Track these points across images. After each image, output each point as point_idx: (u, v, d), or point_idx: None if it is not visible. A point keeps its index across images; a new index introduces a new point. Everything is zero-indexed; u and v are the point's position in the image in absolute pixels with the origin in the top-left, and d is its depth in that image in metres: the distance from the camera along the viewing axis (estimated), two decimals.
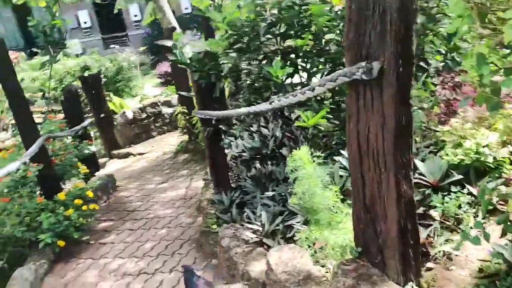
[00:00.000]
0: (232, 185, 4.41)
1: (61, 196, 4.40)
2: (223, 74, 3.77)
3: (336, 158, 3.47)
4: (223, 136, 4.28)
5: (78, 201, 4.49)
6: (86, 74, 8.46)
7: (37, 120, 6.90)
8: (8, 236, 4.09)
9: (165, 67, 16.70)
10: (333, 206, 2.49)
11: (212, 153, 4.23)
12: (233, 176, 4.79)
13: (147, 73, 17.05)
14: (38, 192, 4.47)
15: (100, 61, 11.45)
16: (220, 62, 3.74)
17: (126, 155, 8.48)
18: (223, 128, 4.36)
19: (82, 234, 4.52)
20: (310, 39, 3.67)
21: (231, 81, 3.86)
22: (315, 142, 3.72)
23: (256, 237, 3.30)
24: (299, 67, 3.76)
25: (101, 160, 8.66)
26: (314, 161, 2.66)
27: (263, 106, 2.83)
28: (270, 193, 3.77)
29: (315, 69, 3.65)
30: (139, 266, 3.91)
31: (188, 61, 3.68)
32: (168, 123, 9.17)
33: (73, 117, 6.42)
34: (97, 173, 6.59)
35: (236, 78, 3.85)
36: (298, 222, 3.12)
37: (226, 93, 5.69)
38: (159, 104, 9.04)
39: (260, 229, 3.36)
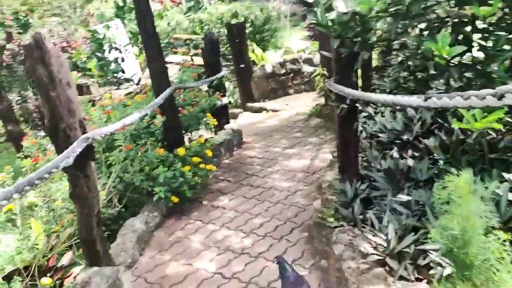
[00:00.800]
0: (360, 172, 3.76)
1: (180, 151, 4.25)
2: (370, 43, 3.04)
3: (506, 175, 2.58)
4: (358, 116, 3.60)
5: (196, 159, 4.31)
6: (233, 21, 8.22)
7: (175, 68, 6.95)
8: (128, 182, 4.11)
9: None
10: (496, 258, 1.72)
11: (342, 133, 3.60)
12: (363, 160, 4.11)
13: (297, 25, 16.49)
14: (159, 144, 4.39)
15: (250, 8, 11.19)
16: (370, 28, 3.00)
17: (259, 110, 8.24)
18: (360, 107, 3.67)
19: (198, 191, 4.38)
20: (498, 8, 2.69)
21: (379, 53, 3.10)
22: (473, 148, 2.83)
23: (377, 254, 2.66)
24: (475, 44, 2.82)
25: (235, 111, 8.60)
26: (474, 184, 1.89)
27: (414, 100, 2.09)
28: (404, 197, 3.05)
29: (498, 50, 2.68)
30: (244, 243, 3.59)
31: (330, 23, 3.02)
32: (307, 82, 8.62)
33: (211, 66, 6.26)
34: (226, 126, 6.43)
35: (386, 50, 3.08)
36: (437, 251, 2.40)
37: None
38: (300, 61, 8.49)
39: (384, 244, 2.71)
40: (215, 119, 5.95)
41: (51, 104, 2.45)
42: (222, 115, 6.47)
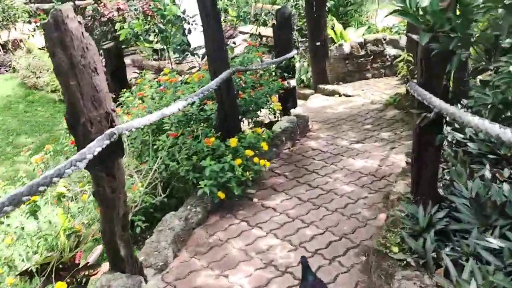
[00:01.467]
0: (438, 192, 3.09)
1: (233, 142, 3.82)
2: (472, 40, 2.33)
3: None
4: (443, 128, 2.90)
5: (249, 152, 3.86)
6: None
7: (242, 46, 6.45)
8: (173, 171, 3.79)
9: None
10: None
11: (420, 147, 2.93)
12: (443, 173, 3.42)
13: None
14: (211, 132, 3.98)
15: None
16: (473, 20, 2.28)
17: (332, 93, 7.56)
18: (447, 119, 2.97)
19: (249, 185, 3.96)
20: None
21: (483, 52, 2.38)
22: None
23: None
24: None
25: (306, 91, 8.01)
26: None
27: None
28: (494, 241, 2.38)
29: None
30: (290, 259, 3.12)
31: (420, 12, 2.34)
32: (388, 66, 7.74)
33: (280, 45, 5.69)
34: (293, 111, 5.89)
35: (490, 50, 2.35)
36: None
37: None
38: (383, 42, 7.60)
39: None
40: (279, 103, 5.44)
41: (71, 94, 2.09)
42: (288, 98, 5.93)
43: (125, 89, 4.82)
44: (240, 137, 4.07)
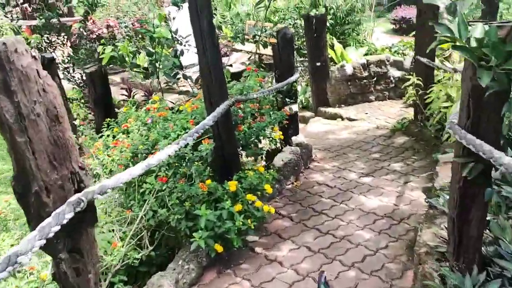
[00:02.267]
0: (482, 252, 2.54)
1: (231, 185, 3.25)
2: None
3: None
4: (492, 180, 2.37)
5: (250, 197, 3.30)
6: (312, 12, 7.04)
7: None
8: (162, 220, 3.21)
9: (403, 12, 14.23)
10: None
11: (463, 201, 2.39)
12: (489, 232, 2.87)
13: (381, 16, 14.85)
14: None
15: None
16: None
17: (333, 116, 7.06)
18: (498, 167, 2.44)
19: (250, 232, 3.39)
20: None
21: None
22: None
23: None
24: None
25: (306, 114, 7.50)
26: None
27: None
28: None
29: None
30: None
31: (475, 44, 1.83)
32: (392, 88, 7.27)
33: (282, 67, 5.18)
34: (294, 138, 5.35)
35: None
36: None
37: None
38: (387, 63, 7.13)
39: None
40: (280, 132, 4.90)
41: (19, 154, 1.53)
42: (290, 125, 5.40)
43: (109, 119, 4.25)
44: (240, 177, 3.52)
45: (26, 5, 12.49)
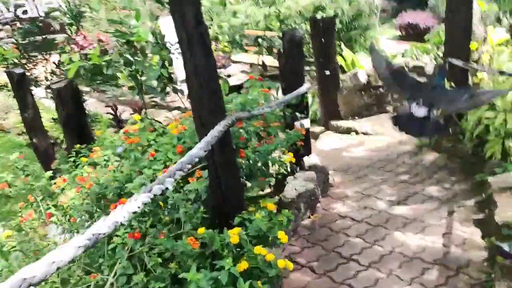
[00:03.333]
0: None
1: (233, 235, 2.33)
2: None
3: None
4: None
5: (260, 250, 2.37)
6: (319, 15, 6.22)
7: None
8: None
9: (409, 17, 13.42)
10: None
11: None
12: None
13: (385, 22, 14.07)
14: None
15: (337, 1, 9.05)
16: None
17: (347, 131, 6.17)
18: None
19: None
20: None
21: None
22: None
23: None
24: None
25: (315, 129, 6.60)
26: None
27: None
28: None
29: None
30: None
31: None
32: None
33: (290, 76, 4.30)
34: (306, 159, 4.45)
35: None
36: None
37: None
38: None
39: None
40: (291, 153, 4.00)
41: None
42: (302, 145, 4.51)
43: (79, 145, 3.36)
44: (244, 219, 2.60)
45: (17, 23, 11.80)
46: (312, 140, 6.39)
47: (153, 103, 5.26)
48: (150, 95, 4.31)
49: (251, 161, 3.02)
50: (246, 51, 11.18)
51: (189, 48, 2.23)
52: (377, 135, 5.85)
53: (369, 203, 3.94)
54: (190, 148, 2.26)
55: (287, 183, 3.82)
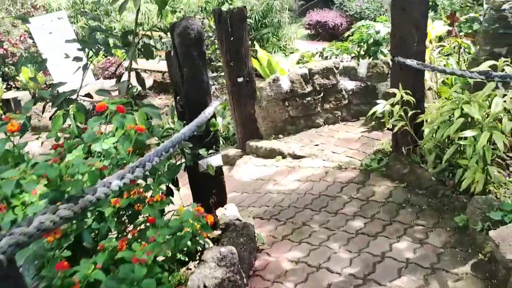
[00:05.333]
0: None
1: None
2: None
3: None
4: None
5: None
6: (225, 7, 4.71)
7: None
8: None
9: (317, 15, 12.53)
10: None
11: None
12: None
13: (294, 22, 13.06)
14: None
15: None
16: None
17: (270, 154, 4.75)
18: None
19: None
20: None
21: None
22: None
23: None
24: None
25: (229, 152, 5.10)
26: None
27: None
28: None
29: None
30: None
31: None
32: (345, 106, 5.14)
33: (188, 93, 2.71)
34: (220, 213, 2.92)
35: None
36: None
37: None
38: (335, 71, 4.98)
39: None
40: (206, 222, 2.41)
41: None
42: (210, 191, 2.97)
43: None
44: None
45: None
46: (226, 168, 4.89)
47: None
48: None
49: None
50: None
51: None
52: (309, 157, 4.49)
53: (323, 280, 2.51)
54: None
55: (191, 272, 2.23)
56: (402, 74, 3.49)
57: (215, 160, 2.90)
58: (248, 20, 7.53)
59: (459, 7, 7.43)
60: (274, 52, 7.86)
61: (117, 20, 10.03)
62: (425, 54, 3.56)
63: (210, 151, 2.75)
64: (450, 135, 3.11)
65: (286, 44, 8.41)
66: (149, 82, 8.14)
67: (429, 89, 4.85)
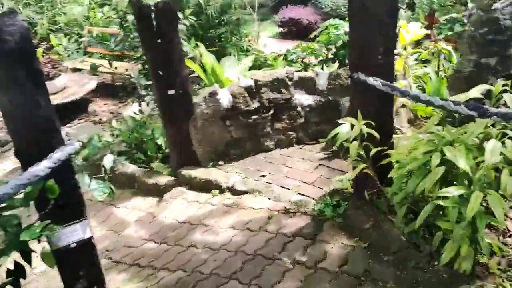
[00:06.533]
0: None
1: None
2: None
3: None
4: None
5: None
6: (152, 1, 3.67)
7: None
8: None
9: (291, 12, 11.53)
10: None
11: None
12: None
13: (266, 19, 12.02)
14: None
15: None
16: None
17: (206, 185, 3.73)
18: None
19: None
20: None
21: None
22: None
23: None
24: None
25: (160, 180, 4.07)
26: None
27: None
28: None
29: None
30: None
31: None
32: (301, 126, 4.13)
33: (20, 138, 1.69)
34: None
35: None
36: None
37: None
38: (289, 83, 3.97)
39: None
40: None
41: None
42: (77, 275, 1.96)
43: None
44: None
45: None
46: (152, 201, 3.91)
47: None
48: None
49: None
50: (90, 54, 8.25)
51: None
52: (252, 194, 3.50)
53: None
54: None
55: None
56: (362, 98, 2.52)
57: (76, 233, 1.90)
58: (200, 17, 6.49)
59: (439, 5, 6.53)
60: (234, 53, 6.85)
61: (63, 13, 8.87)
62: (393, 67, 2.58)
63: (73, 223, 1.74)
64: (419, 186, 2.16)
65: (249, 45, 7.41)
66: (91, 85, 7.06)
67: (403, 106, 3.91)
